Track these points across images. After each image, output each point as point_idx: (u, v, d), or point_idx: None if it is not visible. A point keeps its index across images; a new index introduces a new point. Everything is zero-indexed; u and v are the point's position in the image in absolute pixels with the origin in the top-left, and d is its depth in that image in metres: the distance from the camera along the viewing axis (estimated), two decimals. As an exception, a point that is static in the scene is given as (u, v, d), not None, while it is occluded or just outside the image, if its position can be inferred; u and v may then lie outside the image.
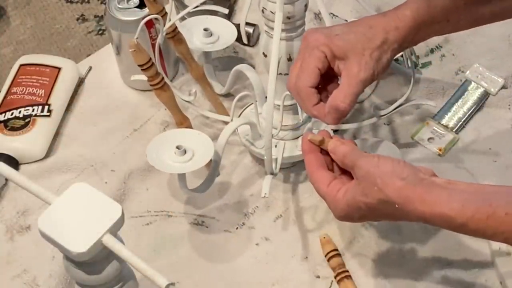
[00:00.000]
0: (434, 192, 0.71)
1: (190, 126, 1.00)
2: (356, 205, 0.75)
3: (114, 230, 0.70)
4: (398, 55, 1.05)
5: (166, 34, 1.00)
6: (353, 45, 0.80)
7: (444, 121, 1.04)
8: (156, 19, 0.95)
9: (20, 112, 1.05)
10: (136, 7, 1.04)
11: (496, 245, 0.90)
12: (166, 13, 0.99)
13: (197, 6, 0.97)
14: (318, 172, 0.79)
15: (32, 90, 1.07)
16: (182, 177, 0.89)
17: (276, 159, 0.94)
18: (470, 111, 1.05)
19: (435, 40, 1.13)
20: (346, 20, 1.16)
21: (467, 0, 0.81)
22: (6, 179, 1.00)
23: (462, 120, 1.04)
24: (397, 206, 0.72)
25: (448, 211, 0.70)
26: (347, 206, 0.76)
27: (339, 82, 0.82)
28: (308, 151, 0.81)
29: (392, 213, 0.73)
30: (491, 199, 0.69)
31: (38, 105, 1.06)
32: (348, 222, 0.80)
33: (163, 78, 0.95)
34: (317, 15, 1.18)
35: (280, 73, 0.93)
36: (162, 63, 1.07)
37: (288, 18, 0.89)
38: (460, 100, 1.06)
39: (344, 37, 0.81)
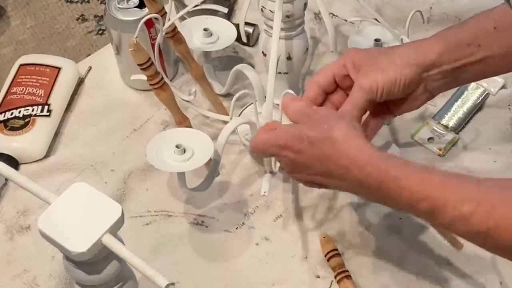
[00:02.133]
0: (374, 149, 0.72)
1: (190, 126, 1.00)
2: (298, 136, 0.75)
3: (114, 230, 0.70)
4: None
5: (166, 33, 1.00)
6: (375, 60, 0.82)
7: (444, 121, 1.04)
8: (156, 18, 0.95)
9: (20, 112, 1.05)
10: (136, 7, 1.04)
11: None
12: (165, 12, 0.99)
13: (196, 5, 0.97)
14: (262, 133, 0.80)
15: (32, 90, 1.07)
16: (181, 176, 0.89)
17: (276, 158, 0.94)
18: (470, 111, 1.05)
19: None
20: (346, 20, 1.16)
21: (497, 24, 0.81)
22: (6, 179, 1.00)
23: (462, 120, 1.04)
24: (336, 144, 0.72)
25: (384, 163, 0.70)
26: (290, 135, 0.76)
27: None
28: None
29: (329, 154, 0.73)
30: (430, 168, 0.71)
31: (38, 105, 1.05)
32: (280, 158, 0.79)
33: (162, 77, 0.95)
34: (317, 15, 1.18)
35: (280, 72, 0.93)
36: (162, 63, 1.07)
37: (287, 17, 0.89)
38: (460, 100, 1.06)
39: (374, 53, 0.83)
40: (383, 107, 0.86)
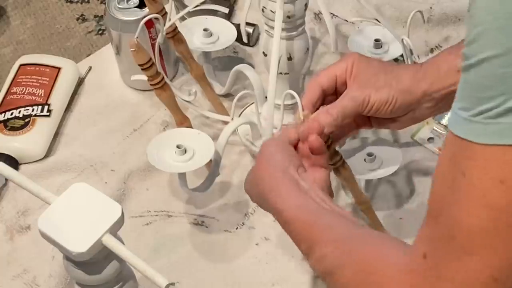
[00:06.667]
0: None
1: (190, 126, 1.00)
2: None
3: (114, 230, 0.70)
4: (398, 55, 1.05)
5: (166, 34, 1.00)
6: (373, 77, 0.81)
7: (444, 121, 1.04)
8: (156, 18, 0.95)
9: (20, 112, 1.05)
10: (136, 7, 1.04)
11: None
12: (166, 12, 0.99)
13: (197, 6, 0.97)
14: None
15: (32, 90, 1.07)
16: (182, 176, 0.89)
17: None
18: (470, 111, 1.05)
19: (435, 40, 1.13)
20: (346, 20, 1.16)
21: None
22: (6, 179, 1.00)
23: (462, 120, 1.04)
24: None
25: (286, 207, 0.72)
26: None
27: None
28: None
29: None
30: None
31: (38, 105, 1.05)
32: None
33: (163, 77, 0.95)
34: (317, 15, 1.18)
35: (280, 73, 0.93)
36: (162, 63, 1.07)
37: (288, 17, 0.89)
38: (460, 100, 1.06)
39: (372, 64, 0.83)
40: (364, 118, 0.85)
